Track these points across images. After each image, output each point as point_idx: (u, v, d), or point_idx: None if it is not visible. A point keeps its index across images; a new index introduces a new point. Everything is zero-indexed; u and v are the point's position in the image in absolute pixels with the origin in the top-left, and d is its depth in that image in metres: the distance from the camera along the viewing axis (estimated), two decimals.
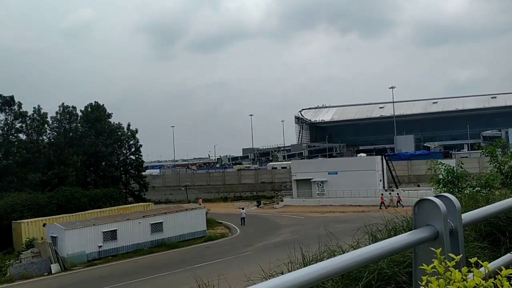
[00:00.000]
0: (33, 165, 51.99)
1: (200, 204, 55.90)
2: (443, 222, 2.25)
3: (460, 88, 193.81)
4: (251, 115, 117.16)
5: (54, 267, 33.69)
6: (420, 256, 2.28)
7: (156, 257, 35.89)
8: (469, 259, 1.96)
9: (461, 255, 2.03)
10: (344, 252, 3.50)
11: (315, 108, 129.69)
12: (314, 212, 51.92)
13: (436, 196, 2.39)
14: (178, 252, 37.17)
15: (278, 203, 62.01)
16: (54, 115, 58.90)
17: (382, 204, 50.00)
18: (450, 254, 1.98)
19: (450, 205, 2.34)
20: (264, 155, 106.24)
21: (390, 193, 53.86)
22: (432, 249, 2.00)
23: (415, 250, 2.33)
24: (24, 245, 36.79)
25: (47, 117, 56.84)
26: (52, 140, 57.50)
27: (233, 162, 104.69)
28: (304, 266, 3.43)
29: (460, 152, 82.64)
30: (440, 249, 1.97)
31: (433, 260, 1.93)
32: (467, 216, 2.62)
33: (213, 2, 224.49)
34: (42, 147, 54.15)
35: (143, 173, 67.20)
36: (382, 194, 53.07)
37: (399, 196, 51.74)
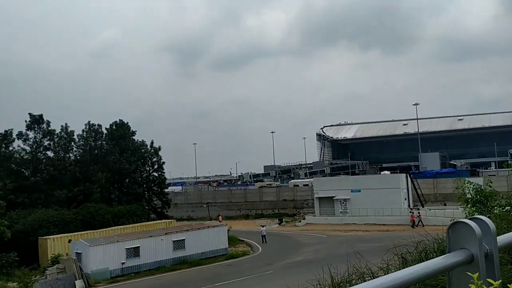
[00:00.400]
0: (60, 182, 53.07)
1: (220, 221, 55.89)
2: (478, 245, 2.20)
3: (486, 104, 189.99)
4: (272, 132, 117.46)
5: (79, 284, 33.98)
6: (455, 280, 2.23)
7: (178, 274, 35.88)
8: (508, 285, 1.91)
9: (500, 280, 1.97)
10: (373, 275, 3.45)
11: (337, 125, 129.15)
12: (337, 230, 51.26)
13: (470, 219, 2.35)
14: (200, 269, 37.07)
15: (300, 221, 61.47)
16: (80, 133, 60.31)
17: (413, 223, 49.03)
18: (488, 280, 1.93)
19: (485, 228, 2.29)
20: (286, 172, 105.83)
21: (411, 212, 52.94)
22: (469, 273, 1.96)
23: (449, 274, 2.28)
24: (49, 261, 37.30)
25: (73, 135, 58.19)
26: (78, 157, 58.70)
27: (255, 179, 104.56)
28: None
29: (488, 170, 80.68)
30: (478, 273, 1.92)
31: (469, 285, 1.89)
32: (502, 239, 2.55)
33: (234, 20, 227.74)
34: (68, 164, 55.30)
35: (166, 190, 67.76)
36: (412, 213, 51.98)
37: (420, 216, 50.80)
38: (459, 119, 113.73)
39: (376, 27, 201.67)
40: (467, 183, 13.48)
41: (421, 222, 48.86)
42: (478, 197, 12.44)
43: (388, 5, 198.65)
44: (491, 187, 13.45)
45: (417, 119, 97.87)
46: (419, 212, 52.25)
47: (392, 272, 2.70)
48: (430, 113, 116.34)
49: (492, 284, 1.88)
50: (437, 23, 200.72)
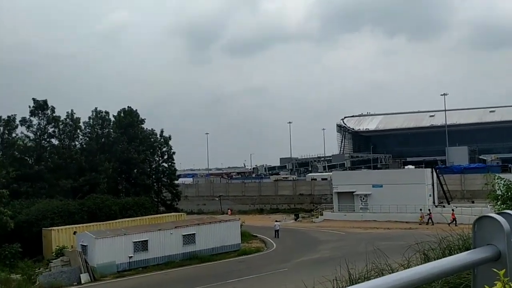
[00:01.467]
0: (65, 171, 53.80)
1: (229, 214, 56.23)
2: (506, 241, 2.20)
3: None
4: (289, 122, 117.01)
5: (84, 277, 34.57)
6: (480, 277, 2.25)
7: (187, 270, 36.25)
8: None
9: None
10: (393, 271, 3.46)
11: (359, 116, 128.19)
12: (357, 227, 51.20)
13: (498, 213, 2.35)
14: (210, 266, 37.42)
15: (317, 217, 61.51)
16: (87, 120, 60.88)
17: (454, 221, 48.62)
18: None
19: None
20: (303, 165, 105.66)
21: (420, 209, 52.98)
22: (495, 270, 1.97)
23: (475, 271, 2.30)
24: (54, 253, 37.95)
25: (79, 122, 58.76)
26: (84, 145, 59.36)
27: (270, 172, 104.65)
28: (351, 284, 3.42)
29: None
30: (504, 270, 1.93)
31: (495, 282, 1.90)
32: None
33: (251, 3, 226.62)
34: (74, 152, 55.97)
35: (176, 182, 68.25)
36: (452, 210, 51.16)
37: (430, 213, 51.15)
38: (490, 111, 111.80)
39: (403, 11, 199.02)
40: (497, 178, 13.30)
41: (431, 220, 49.36)
42: (510, 194, 12.27)
43: None
44: None
45: (445, 110, 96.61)
46: (429, 209, 52.60)
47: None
48: (459, 104, 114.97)
49: None
50: (469, 7, 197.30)
